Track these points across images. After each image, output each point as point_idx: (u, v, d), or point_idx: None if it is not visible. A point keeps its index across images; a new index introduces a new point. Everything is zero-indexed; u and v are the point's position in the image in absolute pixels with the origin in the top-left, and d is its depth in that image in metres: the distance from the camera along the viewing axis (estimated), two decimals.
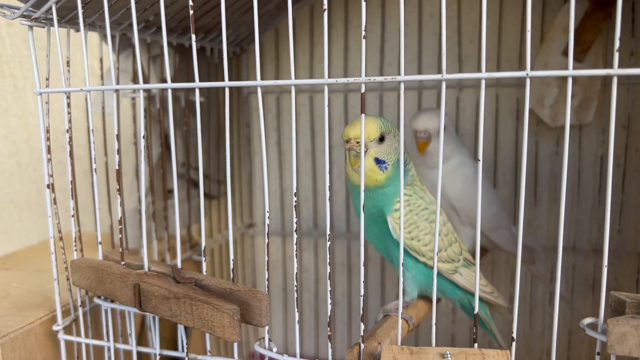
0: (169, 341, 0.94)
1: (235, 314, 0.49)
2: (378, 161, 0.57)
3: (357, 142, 0.55)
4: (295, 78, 1.09)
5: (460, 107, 1.00)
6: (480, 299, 0.66)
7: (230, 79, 1.08)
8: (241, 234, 1.15)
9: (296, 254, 0.54)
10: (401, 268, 0.52)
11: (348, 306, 1.14)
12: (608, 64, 0.86)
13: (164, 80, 0.86)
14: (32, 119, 1.28)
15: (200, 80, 0.96)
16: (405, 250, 0.60)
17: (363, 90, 0.50)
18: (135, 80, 0.82)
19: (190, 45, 0.89)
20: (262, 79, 1.12)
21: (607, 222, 0.47)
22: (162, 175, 0.89)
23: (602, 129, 0.94)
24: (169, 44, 0.87)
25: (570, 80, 0.46)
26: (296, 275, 0.55)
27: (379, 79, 0.49)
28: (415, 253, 0.61)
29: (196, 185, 0.99)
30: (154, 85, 0.57)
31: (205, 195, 1.02)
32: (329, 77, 1.08)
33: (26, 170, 1.30)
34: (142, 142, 0.58)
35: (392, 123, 0.60)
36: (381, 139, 0.57)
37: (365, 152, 0.56)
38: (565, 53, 0.85)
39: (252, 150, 1.15)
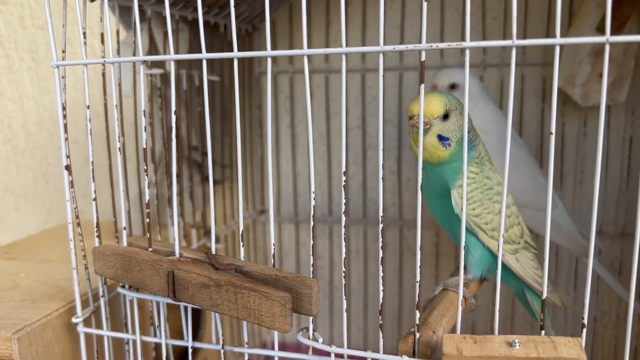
0: (180, 332, 0.90)
1: (288, 302, 0.45)
2: (441, 138, 0.56)
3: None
4: (310, 60, 1.05)
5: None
6: (534, 290, 0.64)
7: (242, 58, 1.03)
8: (253, 220, 1.11)
9: (345, 238, 0.50)
10: (462, 242, 0.48)
11: (364, 295, 1.11)
12: None
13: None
14: (28, 102, 1.22)
15: (214, 59, 0.92)
16: (467, 229, 0.59)
17: (423, 58, 0.46)
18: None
19: (205, 21, 0.85)
20: (274, 58, 1.08)
21: None
22: (176, 159, 0.84)
23: (632, 110, 0.91)
24: (182, 18, 0.82)
25: (607, 48, 0.43)
26: (344, 261, 0.51)
27: (442, 45, 0.45)
28: (478, 229, 0.59)
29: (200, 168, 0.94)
30: (188, 56, 0.52)
31: (207, 179, 0.97)
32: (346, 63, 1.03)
33: (23, 156, 1.24)
34: (174, 118, 0.53)
35: (458, 100, 0.58)
36: (445, 116, 0.56)
37: (429, 128, 0.56)
38: (599, 29, 0.82)
39: (263, 134, 1.10)
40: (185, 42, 0.82)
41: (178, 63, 0.80)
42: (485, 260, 0.62)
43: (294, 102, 1.07)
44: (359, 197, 1.08)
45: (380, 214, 0.49)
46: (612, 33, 0.82)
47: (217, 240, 0.94)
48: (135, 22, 0.55)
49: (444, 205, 0.60)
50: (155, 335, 0.67)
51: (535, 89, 0.95)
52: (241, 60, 1.02)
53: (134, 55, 0.72)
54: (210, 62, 0.91)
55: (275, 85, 1.08)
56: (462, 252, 0.48)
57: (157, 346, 0.76)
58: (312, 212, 0.51)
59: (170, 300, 0.54)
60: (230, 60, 0.98)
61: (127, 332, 0.64)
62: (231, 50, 0.95)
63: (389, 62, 1.01)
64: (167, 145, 0.77)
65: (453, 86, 0.76)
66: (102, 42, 0.62)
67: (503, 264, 0.62)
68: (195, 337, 0.93)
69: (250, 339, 1.11)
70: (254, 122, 1.09)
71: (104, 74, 0.64)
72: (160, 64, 0.78)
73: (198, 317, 0.94)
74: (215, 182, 0.99)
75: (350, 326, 1.13)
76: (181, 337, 0.61)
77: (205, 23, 0.87)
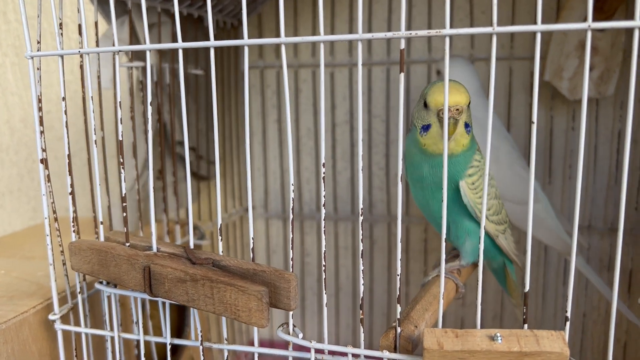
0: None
1: (264, 296, 0.44)
2: (466, 125, 0.56)
3: (457, 110, 0.53)
4: (297, 54, 1.04)
5: None
6: (511, 260, 0.68)
7: (227, 51, 1.02)
8: (240, 217, 1.10)
9: (324, 230, 0.49)
10: (444, 229, 0.47)
11: (353, 292, 1.10)
12: (629, 33, 0.82)
13: (160, 51, 0.80)
14: (12, 97, 1.20)
15: (198, 51, 0.91)
16: (471, 216, 0.60)
17: (403, 46, 0.45)
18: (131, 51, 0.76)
19: (188, 14, 0.84)
20: (261, 52, 1.07)
21: (623, 200, 0.43)
22: (159, 154, 0.83)
23: (619, 103, 0.90)
24: (165, 11, 0.81)
25: (589, 35, 0.42)
26: (324, 253, 0.50)
27: (422, 32, 0.44)
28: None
29: (189, 165, 0.93)
30: (164, 45, 0.51)
31: (194, 175, 0.96)
32: (333, 52, 1.03)
33: (7, 153, 1.23)
34: (149, 110, 0.52)
35: None
36: (469, 103, 0.56)
37: (460, 117, 0.54)
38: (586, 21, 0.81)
39: (250, 129, 1.09)
40: (168, 34, 0.81)
41: (160, 55, 0.79)
42: (478, 245, 0.63)
43: (281, 96, 1.06)
44: (347, 194, 1.07)
45: (360, 206, 0.48)
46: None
47: (202, 237, 0.92)
48: (111, 12, 0.54)
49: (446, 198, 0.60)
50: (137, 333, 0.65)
51: (523, 83, 0.94)
52: (227, 55, 1.01)
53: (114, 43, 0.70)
54: (194, 56, 0.90)
55: (262, 80, 1.07)
56: (443, 242, 0.47)
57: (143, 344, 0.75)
58: (291, 205, 0.50)
59: (146, 296, 0.52)
60: (215, 53, 0.97)
61: (106, 329, 0.63)
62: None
63: (376, 57, 1.00)
64: (159, 140, 0.76)
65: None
66: (80, 33, 0.61)
67: (494, 244, 0.64)
68: (180, 335, 0.92)
69: (238, 337, 1.10)
70: (241, 118, 1.07)
71: (81, 66, 0.62)
72: (143, 57, 0.77)
73: (183, 314, 0.93)
74: (202, 178, 0.98)
75: (339, 323, 1.12)
76: (173, 337, 0.60)
77: (189, 16, 0.86)
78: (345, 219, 1.07)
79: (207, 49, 0.90)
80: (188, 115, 0.89)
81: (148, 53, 0.52)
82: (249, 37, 1.04)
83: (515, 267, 0.70)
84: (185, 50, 0.87)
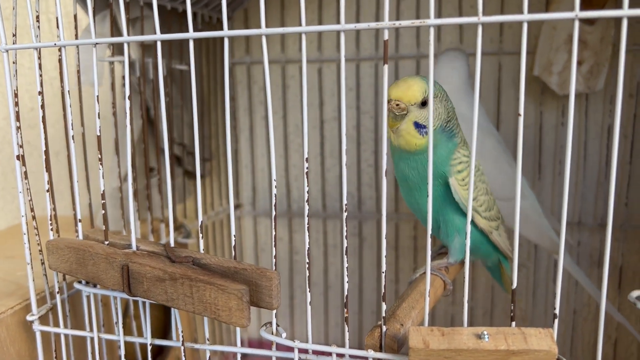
0: (158, 331, 0.87)
1: (244, 294, 0.43)
2: (417, 125, 0.54)
3: (397, 105, 0.53)
4: (284, 50, 1.03)
5: None
6: (505, 256, 0.67)
7: (214, 46, 1.00)
8: (227, 215, 1.08)
9: (308, 227, 0.48)
10: (429, 226, 0.45)
11: (342, 290, 1.08)
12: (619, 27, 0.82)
13: (143, 46, 0.78)
14: None
15: (183, 46, 0.90)
16: (462, 213, 0.59)
17: (386, 37, 0.43)
18: (113, 45, 0.74)
19: (172, 8, 0.82)
20: (248, 48, 1.05)
21: (612, 196, 0.42)
22: (143, 151, 0.81)
23: (609, 98, 0.89)
24: (148, 4, 0.79)
25: (577, 24, 0.41)
26: (308, 250, 0.48)
27: (405, 23, 0.43)
28: (474, 212, 0.59)
29: (179, 162, 0.91)
30: (141, 38, 0.50)
31: (187, 173, 0.95)
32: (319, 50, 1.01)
33: None
34: (127, 104, 0.50)
35: (440, 87, 0.57)
36: (423, 103, 0.54)
37: (405, 114, 0.54)
38: None
39: (237, 126, 1.08)
40: (152, 29, 0.80)
41: (143, 50, 0.77)
42: (471, 242, 0.61)
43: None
44: (335, 191, 1.05)
45: (344, 201, 0.47)
46: (589, 20, 0.80)
47: (188, 235, 0.91)
48: (88, 3, 0.52)
49: (432, 194, 0.58)
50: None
51: (512, 78, 0.93)
52: (213, 50, 0.99)
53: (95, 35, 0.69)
54: (179, 51, 0.89)
55: (249, 76, 1.05)
56: (429, 239, 0.45)
57: (127, 345, 0.73)
58: (273, 202, 0.49)
59: (125, 295, 0.51)
60: (200, 47, 0.95)
61: (90, 329, 0.61)
62: (200, 39, 0.92)
63: (364, 52, 0.99)
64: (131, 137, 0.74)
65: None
66: (57, 26, 0.59)
67: (488, 240, 0.63)
68: (167, 335, 0.90)
69: (226, 336, 1.08)
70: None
71: (60, 60, 0.61)
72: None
73: (170, 314, 0.92)
74: (192, 175, 0.97)
75: (328, 322, 1.11)
76: (160, 337, 0.59)
77: (173, 10, 0.84)
78: (334, 216, 1.06)
79: (188, 42, 0.89)
80: (176, 111, 0.88)
81: (126, 45, 0.51)
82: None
83: (510, 263, 0.69)
84: (169, 44, 0.86)
